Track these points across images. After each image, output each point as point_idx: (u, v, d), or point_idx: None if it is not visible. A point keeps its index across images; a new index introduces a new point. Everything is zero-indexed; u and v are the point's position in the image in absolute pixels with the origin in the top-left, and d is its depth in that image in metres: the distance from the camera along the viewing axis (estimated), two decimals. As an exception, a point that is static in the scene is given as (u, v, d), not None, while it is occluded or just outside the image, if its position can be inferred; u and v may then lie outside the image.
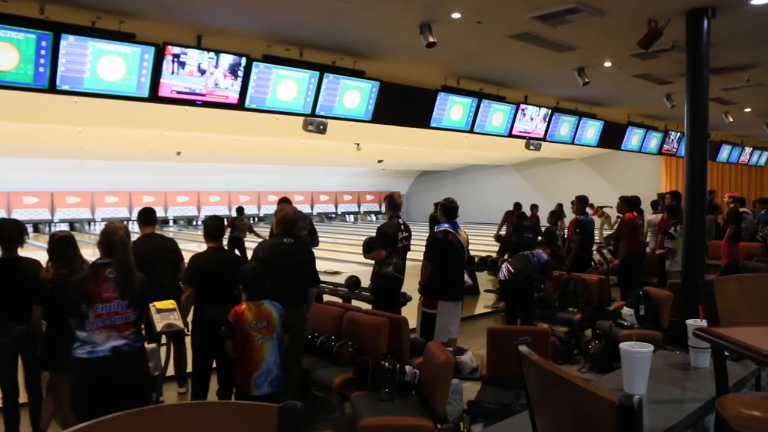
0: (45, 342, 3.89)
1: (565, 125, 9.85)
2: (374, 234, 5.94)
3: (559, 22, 5.34)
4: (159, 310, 4.20)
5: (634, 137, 11.67)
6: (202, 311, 4.26)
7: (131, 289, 3.19)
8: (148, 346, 4.32)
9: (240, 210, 11.55)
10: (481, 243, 13.64)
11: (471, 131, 8.35)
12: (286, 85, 6.20)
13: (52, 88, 4.87)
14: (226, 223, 6.29)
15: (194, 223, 21.88)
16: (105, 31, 5.08)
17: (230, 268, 4.13)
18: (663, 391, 2.21)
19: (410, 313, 5.62)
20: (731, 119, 10.59)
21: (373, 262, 5.89)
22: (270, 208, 24.18)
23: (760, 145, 16.39)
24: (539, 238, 7.74)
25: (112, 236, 3.21)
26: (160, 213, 21.60)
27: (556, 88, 8.66)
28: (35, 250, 8.37)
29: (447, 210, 5.56)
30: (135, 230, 8.75)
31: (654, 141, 12.25)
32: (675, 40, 5.76)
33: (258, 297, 3.78)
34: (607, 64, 7.06)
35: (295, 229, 4.46)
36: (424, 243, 5.58)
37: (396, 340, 4.55)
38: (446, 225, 5.49)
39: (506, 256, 6.81)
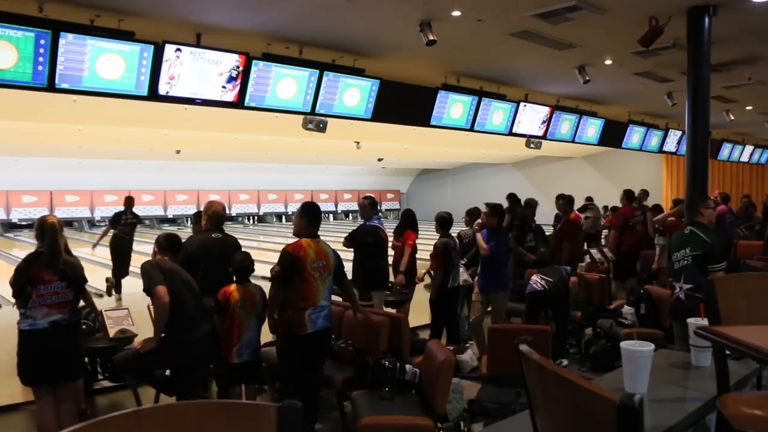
0: None
1: (565, 123, 9.85)
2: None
3: (559, 19, 5.34)
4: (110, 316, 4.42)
5: (634, 135, 11.67)
6: None
7: (58, 269, 3.57)
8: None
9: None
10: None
11: (471, 129, 8.34)
12: (286, 84, 6.20)
13: (51, 87, 4.86)
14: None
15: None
16: (104, 29, 5.08)
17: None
18: (664, 390, 2.21)
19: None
20: (732, 117, 10.59)
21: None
22: (270, 207, 24.22)
23: (761, 144, 16.39)
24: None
25: (44, 224, 3.62)
26: (159, 212, 21.64)
27: (557, 86, 8.65)
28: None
29: (375, 205, 6.26)
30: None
31: (655, 139, 12.24)
32: (676, 38, 5.75)
33: (246, 281, 4.29)
34: (608, 62, 7.06)
35: (222, 224, 4.80)
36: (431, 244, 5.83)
37: (396, 339, 4.55)
38: (375, 220, 6.14)
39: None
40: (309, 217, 4.10)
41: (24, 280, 3.52)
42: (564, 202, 7.48)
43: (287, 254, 3.92)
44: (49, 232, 3.57)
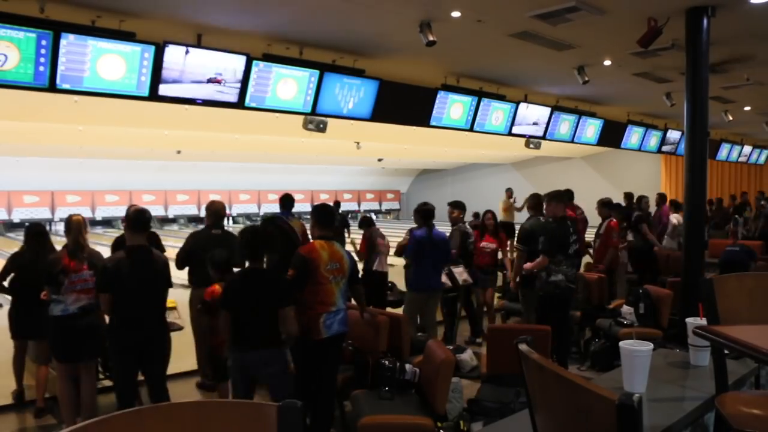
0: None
1: (564, 124, 9.85)
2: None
3: (558, 20, 5.34)
4: None
5: (633, 136, 11.67)
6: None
7: (83, 259, 4.07)
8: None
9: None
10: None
11: (471, 130, 8.35)
12: (286, 84, 6.20)
13: (52, 87, 4.87)
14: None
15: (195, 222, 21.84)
16: (105, 30, 5.09)
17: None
18: (663, 389, 2.21)
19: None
20: (731, 118, 10.60)
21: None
22: (270, 207, 24.18)
23: (759, 144, 16.39)
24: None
25: (70, 221, 4.16)
26: (160, 212, 21.61)
27: (556, 87, 8.66)
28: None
29: (284, 202, 6.84)
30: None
31: (653, 139, 12.25)
32: (675, 39, 5.76)
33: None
34: (607, 62, 7.06)
35: (222, 221, 5.24)
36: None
37: (396, 339, 4.55)
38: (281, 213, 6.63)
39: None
40: (317, 217, 4.12)
41: (58, 268, 4.02)
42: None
43: (299, 256, 3.91)
44: (74, 227, 4.12)
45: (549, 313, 5.13)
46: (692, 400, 2.13)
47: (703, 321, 2.22)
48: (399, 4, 4.98)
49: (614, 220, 7.81)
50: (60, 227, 19.86)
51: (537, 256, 5.25)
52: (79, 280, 4.05)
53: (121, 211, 20.92)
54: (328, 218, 4.18)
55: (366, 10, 5.12)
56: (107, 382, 4.96)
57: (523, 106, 8.83)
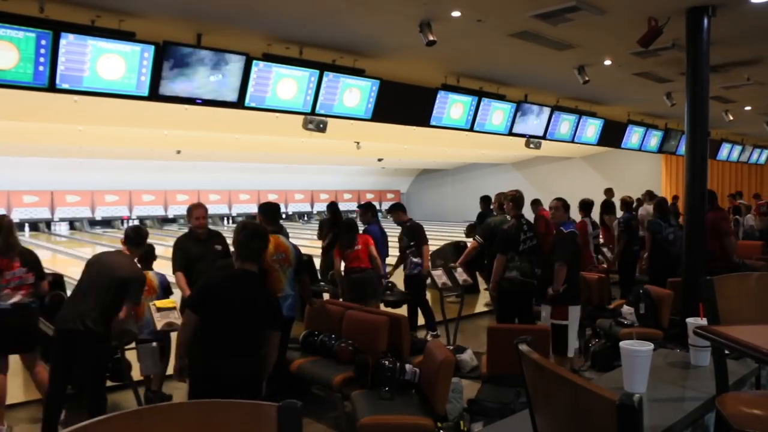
0: None
1: (565, 123, 9.85)
2: None
3: (559, 20, 5.34)
4: (159, 309, 4.29)
5: (634, 136, 11.67)
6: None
7: (11, 255, 4.17)
8: (147, 345, 4.37)
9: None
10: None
11: (471, 130, 8.34)
12: (286, 84, 6.20)
13: (51, 87, 4.87)
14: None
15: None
16: (104, 29, 5.08)
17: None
18: (663, 389, 2.21)
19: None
20: (731, 117, 10.59)
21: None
22: (270, 207, 24.20)
23: (760, 144, 16.38)
24: None
25: (1, 221, 4.27)
26: (160, 212, 21.63)
27: (557, 87, 8.65)
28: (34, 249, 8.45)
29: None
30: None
31: (654, 139, 12.24)
32: (675, 39, 5.75)
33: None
34: (607, 62, 7.06)
35: None
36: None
37: (396, 339, 4.55)
38: None
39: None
40: (265, 214, 4.66)
41: None
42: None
43: None
44: (4, 228, 4.23)
45: (509, 307, 5.47)
46: (693, 400, 2.13)
47: (704, 321, 2.22)
48: (399, 4, 4.98)
49: (583, 220, 7.83)
50: (60, 227, 19.93)
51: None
52: (13, 277, 4.16)
53: (120, 211, 20.95)
54: (274, 214, 4.72)
55: (366, 10, 5.12)
56: (107, 383, 4.96)
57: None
